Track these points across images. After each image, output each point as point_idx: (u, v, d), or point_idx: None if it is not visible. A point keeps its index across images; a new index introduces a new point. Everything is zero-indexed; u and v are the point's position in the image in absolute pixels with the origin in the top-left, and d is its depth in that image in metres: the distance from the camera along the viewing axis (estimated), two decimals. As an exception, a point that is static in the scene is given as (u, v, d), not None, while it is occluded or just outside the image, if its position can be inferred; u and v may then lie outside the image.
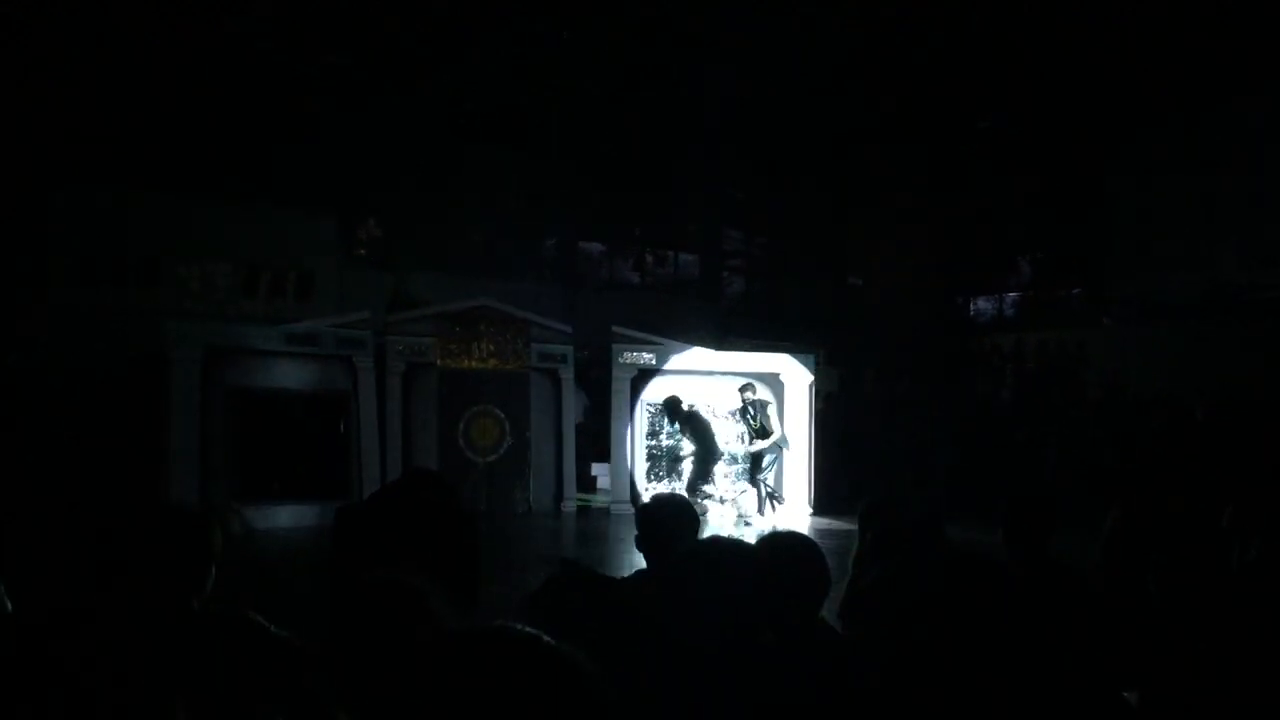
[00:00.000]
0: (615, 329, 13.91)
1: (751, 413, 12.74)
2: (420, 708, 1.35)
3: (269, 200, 16.01)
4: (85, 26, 13.83)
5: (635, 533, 3.75)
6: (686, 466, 13.59)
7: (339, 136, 16.19)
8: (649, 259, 21.07)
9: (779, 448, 12.82)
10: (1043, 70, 16.42)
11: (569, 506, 13.63)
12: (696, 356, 14.11)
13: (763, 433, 12.68)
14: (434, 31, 15.71)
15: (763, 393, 13.16)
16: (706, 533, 3.70)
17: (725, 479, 13.70)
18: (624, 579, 3.71)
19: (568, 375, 13.76)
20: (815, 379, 14.40)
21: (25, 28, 13.38)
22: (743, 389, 12.84)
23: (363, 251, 18.04)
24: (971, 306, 21.26)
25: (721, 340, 17.16)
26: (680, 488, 13.18)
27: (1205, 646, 2.65)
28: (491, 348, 13.33)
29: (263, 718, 2.97)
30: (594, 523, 12.99)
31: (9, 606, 3.24)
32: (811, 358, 14.88)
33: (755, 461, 12.83)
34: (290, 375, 12.24)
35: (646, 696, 2.14)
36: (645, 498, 12.91)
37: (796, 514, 13.30)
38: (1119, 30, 14.94)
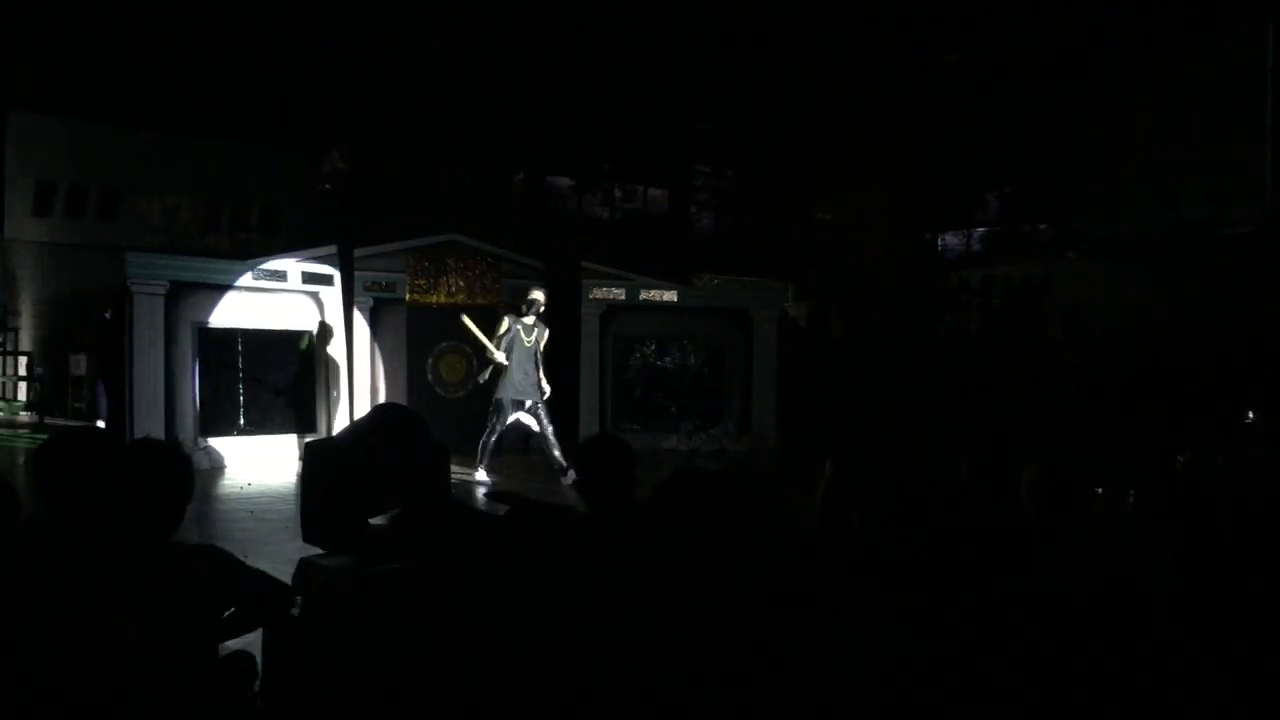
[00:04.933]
0: (585, 264, 13.84)
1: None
2: None
3: (231, 134, 15.74)
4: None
5: (574, 478, 3.75)
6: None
7: (302, 69, 15.92)
8: (618, 194, 20.93)
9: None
10: (1013, 4, 16.32)
11: (537, 442, 13.62)
12: (666, 291, 14.10)
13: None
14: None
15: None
16: None
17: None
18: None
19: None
20: (784, 314, 14.44)
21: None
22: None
23: (327, 186, 17.81)
24: (939, 242, 21.32)
25: (691, 275, 17.14)
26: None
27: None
28: (461, 283, 13.24)
29: (238, 650, 2.98)
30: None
31: None
32: (779, 292, 14.88)
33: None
34: (256, 310, 12.12)
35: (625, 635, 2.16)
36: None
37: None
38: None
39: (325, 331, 12.47)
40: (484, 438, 10.55)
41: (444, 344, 13.25)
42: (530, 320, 10.59)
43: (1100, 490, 3.02)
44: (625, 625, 2.18)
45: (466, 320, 10.90)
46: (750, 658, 2.13)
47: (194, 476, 2.89)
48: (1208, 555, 2.54)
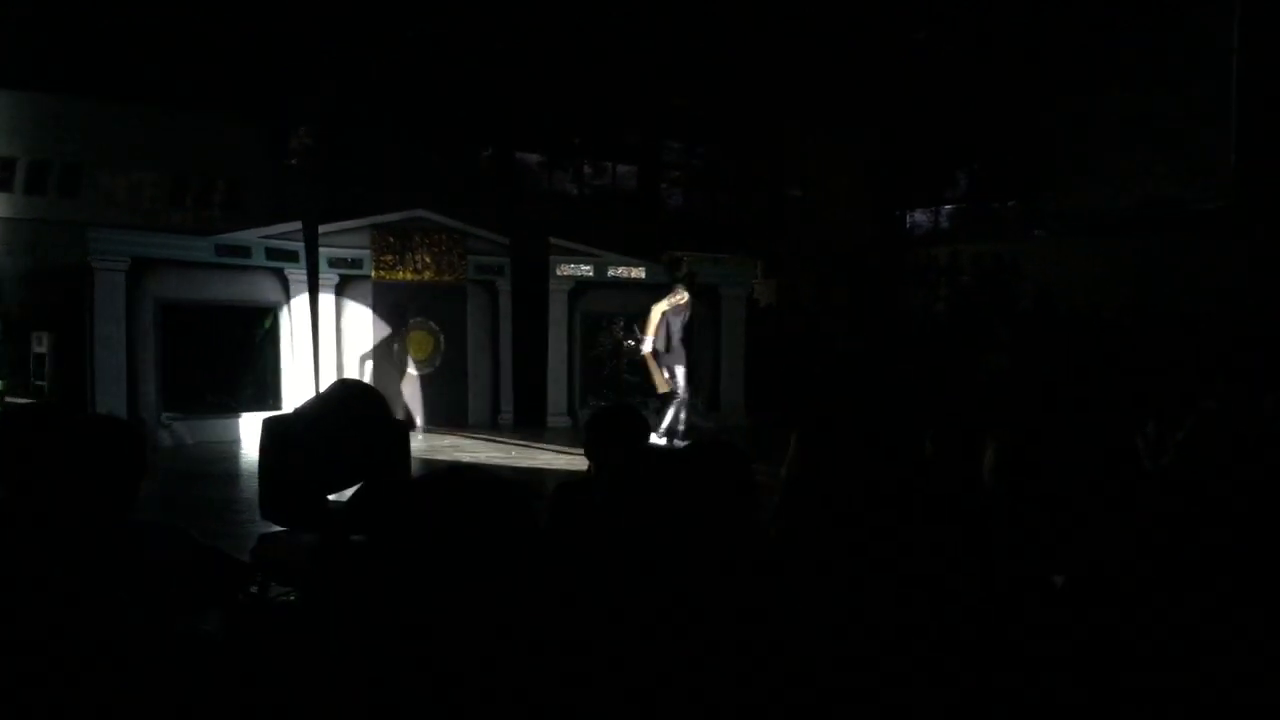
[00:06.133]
0: (553, 240, 13.77)
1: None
2: None
3: (196, 107, 15.51)
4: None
5: (584, 439, 3.81)
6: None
7: (268, 42, 15.69)
8: (587, 170, 20.82)
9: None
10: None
11: (505, 419, 13.61)
12: (634, 268, 14.08)
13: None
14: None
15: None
16: None
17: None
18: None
19: (505, 287, 13.64)
20: (753, 290, 14.45)
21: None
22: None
23: (293, 161, 17.60)
24: (908, 219, 21.36)
25: (660, 252, 17.08)
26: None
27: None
28: (427, 259, 13.14)
29: (195, 628, 2.94)
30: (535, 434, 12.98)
31: None
32: (749, 269, 14.83)
33: None
34: (220, 287, 11.98)
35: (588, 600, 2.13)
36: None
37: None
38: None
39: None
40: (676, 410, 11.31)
41: (412, 320, 13.16)
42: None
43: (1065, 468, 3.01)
44: (590, 598, 2.16)
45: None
46: (713, 626, 2.12)
47: (146, 453, 2.84)
48: (1169, 532, 2.54)
